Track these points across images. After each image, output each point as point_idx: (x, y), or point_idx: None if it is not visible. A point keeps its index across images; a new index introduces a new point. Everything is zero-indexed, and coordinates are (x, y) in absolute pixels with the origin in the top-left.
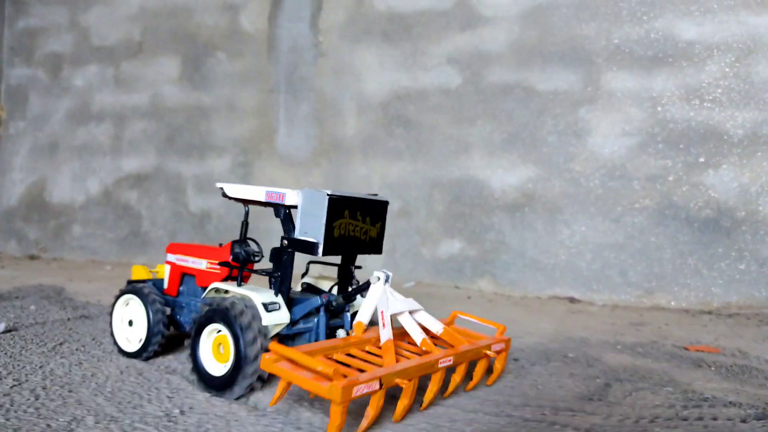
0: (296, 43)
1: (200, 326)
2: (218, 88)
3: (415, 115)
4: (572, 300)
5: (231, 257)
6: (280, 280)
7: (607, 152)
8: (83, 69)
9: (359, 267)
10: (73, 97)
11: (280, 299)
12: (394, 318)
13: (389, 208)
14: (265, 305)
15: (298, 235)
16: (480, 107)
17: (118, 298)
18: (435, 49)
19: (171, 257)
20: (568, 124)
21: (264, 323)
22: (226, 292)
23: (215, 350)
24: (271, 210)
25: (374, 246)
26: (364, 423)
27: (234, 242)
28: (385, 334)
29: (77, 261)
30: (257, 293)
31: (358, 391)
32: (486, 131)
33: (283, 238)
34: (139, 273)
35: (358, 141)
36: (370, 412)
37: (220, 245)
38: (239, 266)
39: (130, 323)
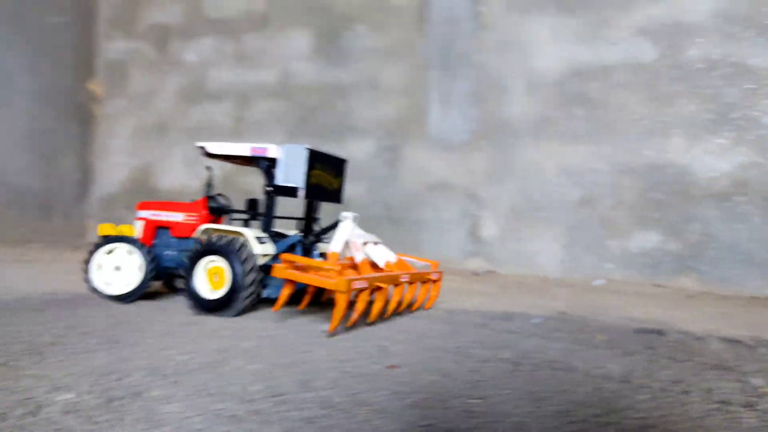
0: (452, 13)
1: (194, 260)
2: (358, 65)
3: (598, 94)
4: None
5: (209, 210)
6: (266, 220)
7: None
8: (196, 42)
9: (318, 218)
10: (183, 73)
11: (266, 235)
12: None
13: None
14: (258, 238)
15: (280, 182)
16: (679, 84)
17: (98, 247)
18: (622, 20)
19: (144, 213)
20: None
21: (255, 252)
22: (213, 233)
23: (210, 279)
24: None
25: (336, 196)
26: (354, 315)
27: (208, 197)
28: (360, 256)
29: None
30: (249, 230)
31: (356, 285)
32: (688, 111)
33: (266, 185)
34: (107, 230)
35: (527, 122)
36: (359, 306)
37: (193, 201)
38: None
39: (117, 269)
